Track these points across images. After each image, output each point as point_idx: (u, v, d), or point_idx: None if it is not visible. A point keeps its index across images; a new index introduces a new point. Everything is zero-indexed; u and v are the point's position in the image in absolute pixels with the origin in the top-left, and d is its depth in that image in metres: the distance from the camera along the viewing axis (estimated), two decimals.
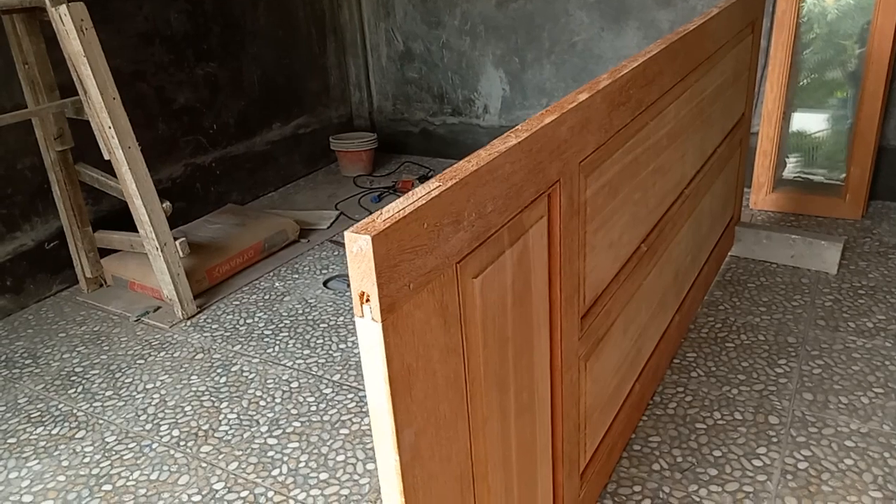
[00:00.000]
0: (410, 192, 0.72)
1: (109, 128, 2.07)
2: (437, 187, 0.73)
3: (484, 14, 3.32)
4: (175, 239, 2.26)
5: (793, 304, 2.12)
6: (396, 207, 0.69)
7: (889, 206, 2.73)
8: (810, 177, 2.76)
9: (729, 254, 2.43)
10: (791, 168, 2.77)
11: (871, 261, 2.33)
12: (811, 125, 2.70)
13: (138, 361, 2.09)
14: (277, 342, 2.15)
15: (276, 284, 2.52)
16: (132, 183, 2.12)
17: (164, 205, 2.22)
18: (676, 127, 1.52)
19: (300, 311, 2.32)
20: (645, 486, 1.49)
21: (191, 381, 1.98)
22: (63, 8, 1.95)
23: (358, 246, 0.64)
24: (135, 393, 1.94)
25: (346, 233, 0.65)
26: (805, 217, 2.70)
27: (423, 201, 0.70)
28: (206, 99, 3.07)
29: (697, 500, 1.44)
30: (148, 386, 1.97)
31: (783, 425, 1.63)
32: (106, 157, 2.15)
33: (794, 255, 2.33)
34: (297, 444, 1.70)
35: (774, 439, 1.59)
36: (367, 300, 0.66)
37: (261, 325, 2.26)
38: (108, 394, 1.94)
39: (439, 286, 0.75)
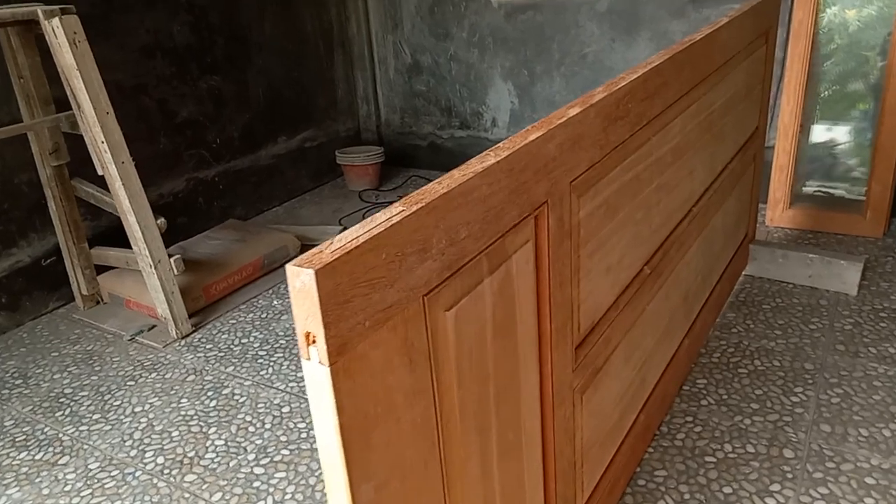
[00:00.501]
0: (371, 219, 0.65)
1: (102, 142, 2.03)
2: (399, 212, 0.66)
3: (493, 26, 3.26)
4: (170, 256, 2.21)
5: (810, 328, 2.02)
6: (349, 236, 0.62)
7: None
8: (830, 192, 2.65)
9: (743, 273, 2.33)
10: (810, 183, 2.66)
11: (894, 282, 2.22)
12: (831, 138, 2.59)
13: (129, 383, 2.04)
14: (271, 363, 2.08)
15: (275, 302, 2.46)
16: (126, 199, 2.08)
17: (158, 221, 2.17)
18: (683, 142, 1.43)
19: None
20: None
21: (180, 405, 1.92)
22: (56, 20, 1.92)
23: (301, 281, 0.57)
24: (122, 416, 1.88)
25: (287, 266, 0.58)
26: (824, 234, 2.59)
27: (381, 229, 0.63)
28: (210, 112, 3.04)
29: None
30: (136, 409, 1.91)
31: (799, 459, 1.53)
32: (100, 172, 2.11)
33: (812, 275, 2.22)
34: (284, 474, 1.62)
35: (789, 475, 1.49)
36: (314, 341, 0.59)
37: (255, 345, 2.19)
38: (95, 417, 1.88)
39: (402, 322, 0.68)
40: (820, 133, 2.62)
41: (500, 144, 0.84)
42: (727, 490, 1.46)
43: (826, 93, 2.55)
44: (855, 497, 1.41)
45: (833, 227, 2.60)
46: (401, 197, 3.25)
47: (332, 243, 0.61)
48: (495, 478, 0.92)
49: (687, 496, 1.46)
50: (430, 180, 3.55)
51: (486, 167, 0.77)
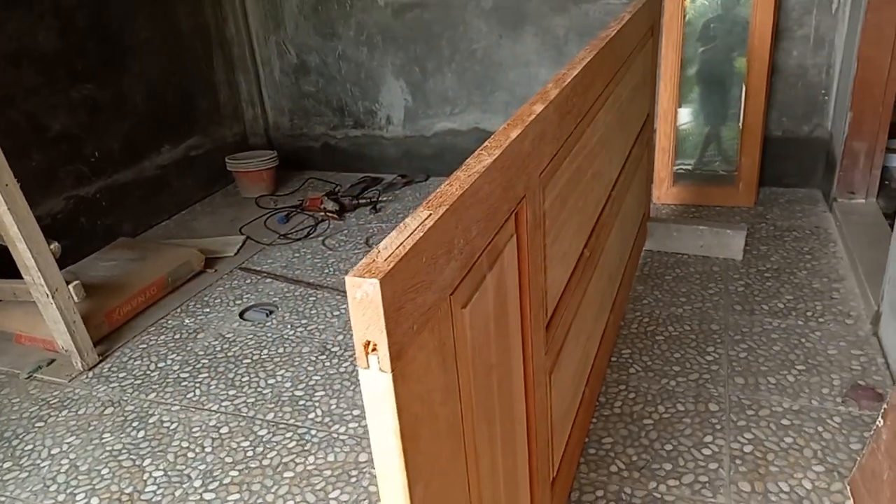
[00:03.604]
0: (402, 225, 0.66)
1: None
2: (429, 216, 0.67)
3: (380, 24, 3.26)
4: (67, 283, 2.04)
5: (709, 293, 2.22)
6: (393, 243, 0.62)
7: (776, 191, 2.93)
8: (706, 169, 2.91)
9: (644, 249, 2.52)
10: (688, 162, 2.91)
11: (771, 244, 2.49)
12: (700, 120, 2.85)
13: (37, 424, 1.86)
14: (197, 385, 1.98)
15: (187, 321, 2.33)
16: (13, 225, 1.88)
17: (51, 246, 1.99)
18: (605, 132, 1.53)
19: (218, 348, 2.16)
20: (607, 489, 1.49)
21: (103, 440, 1.78)
22: None
23: (363, 291, 0.57)
24: (38, 461, 1.72)
25: (347, 277, 0.58)
26: (705, 208, 2.85)
27: (420, 233, 0.64)
28: (86, 123, 2.81)
29: (659, 496, 1.46)
30: (53, 451, 1.75)
31: (723, 411, 1.69)
32: None
33: (703, 245, 2.44)
34: (237, 496, 1.56)
35: (718, 426, 1.64)
36: (374, 349, 0.59)
37: (175, 367, 2.08)
38: (6, 465, 1.71)
39: (437, 323, 0.69)
40: (694, 115, 2.87)
41: (487, 144, 0.87)
42: (668, 447, 1.59)
43: (692, 78, 2.79)
44: (776, 438, 1.59)
45: (711, 200, 2.86)
46: (302, 201, 3.20)
47: (379, 252, 0.61)
48: (499, 465, 0.95)
49: (634, 457, 1.57)
50: (327, 182, 3.52)
51: (486, 167, 0.80)
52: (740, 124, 2.75)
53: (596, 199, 1.51)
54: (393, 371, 0.60)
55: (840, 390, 1.72)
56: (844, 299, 2.11)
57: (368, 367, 0.60)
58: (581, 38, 2.99)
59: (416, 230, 0.64)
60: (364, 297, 0.57)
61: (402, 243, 0.62)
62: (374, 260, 0.60)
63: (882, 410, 1.34)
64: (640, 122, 2.11)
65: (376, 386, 0.61)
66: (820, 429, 1.60)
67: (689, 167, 2.91)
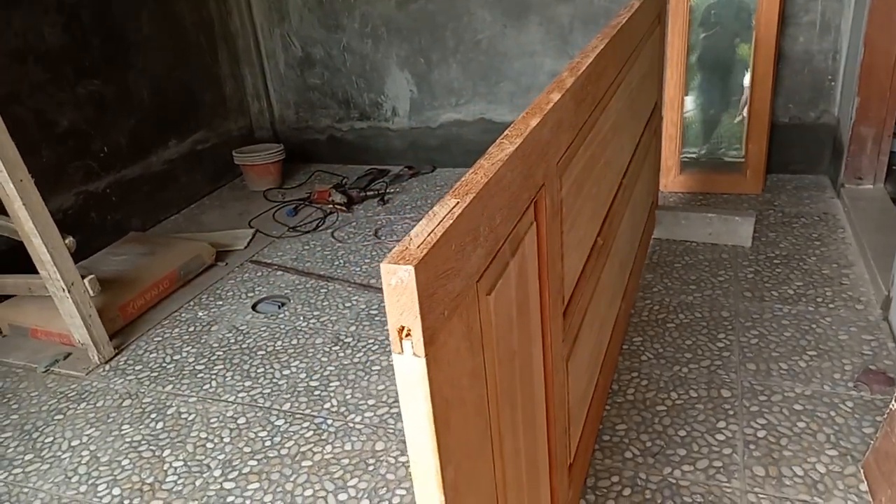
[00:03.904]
0: (431, 213, 0.67)
1: None
2: (457, 204, 0.68)
3: (385, 15, 3.26)
4: (82, 277, 2.05)
5: (719, 280, 2.23)
6: (424, 231, 0.63)
7: (783, 178, 2.94)
8: (713, 157, 2.91)
9: (652, 237, 2.52)
10: (695, 150, 2.92)
11: (779, 231, 2.50)
12: (710, 107, 2.85)
13: (56, 417, 1.88)
14: (213, 377, 2.00)
15: (200, 314, 2.35)
16: (28, 220, 1.90)
17: (66, 240, 2.00)
18: (617, 120, 1.54)
19: (232, 340, 2.18)
20: (622, 475, 1.51)
21: (122, 432, 1.80)
22: None
23: (398, 278, 0.58)
24: (59, 453, 1.74)
25: (382, 264, 0.59)
26: (712, 195, 2.86)
27: (450, 221, 0.65)
28: (93, 119, 2.82)
29: (674, 481, 1.47)
30: (73, 443, 1.77)
31: (735, 397, 1.70)
32: None
33: (712, 233, 2.45)
34: (257, 485, 1.58)
35: (731, 412, 1.66)
36: (408, 335, 0.60)
37: (190, 360, 2.10)
38: (27, 458, 1.73)
39: (465, 309, 0.71)
40: (700, 102, 2.87)
41: (508, 132, 0.88)
42: (682, 433, 1.61)
43: (699, 65, 2.79)
44: (789, 423, 1.60)
45: (719, 187, 2.87)
46: (309, 193, 3.21)
47: (411, 239, 0.62)
48: (521, 450, 0.96)
49: (649, 443, 1.59)
50: (334, 174, 3.53)
51: (509, 155, 0.81)
52: (744, 111, 2.75)
53: (608, 187, 1.51)
54: (426, 356, 0.61)
55: (852, 375, 1.73)
56: (854, 285, 2.12)
57: (402, 352, 0.61)
58: (586, 26, 2.99)
59: (445, 218, 0.65)
60: (399, 283, 0.58)
61: (432, 231, 0.63)
62: (406, 247, 0.61)
63: (895, 394, 1.35)
64: (649, 109, 2.12)
65: (410, 370, 0.62)
66: (832, 413, 1.62)
67: (695, 155, 2.92)
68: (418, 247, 0.61)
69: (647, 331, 2.00)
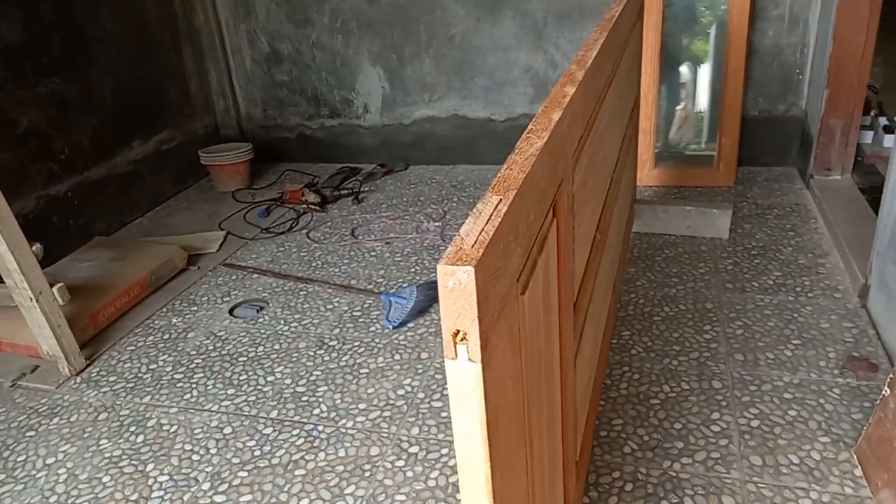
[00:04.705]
0: (476, 212, 0.64)
1: None
2: (500, 201, 0.65)
3: (355, 10, 3.20)
4: (50, 285, 1.95)
5: (700, 272, 2.26)
6: (474, 230, 0.60)
7: (754, 171, 2.99)
8: (686, 151, 2.95)
9: (632, 231, 2.54)
10: (668, 143, 2.95)
11: (754, 223, 2.54)
12: (682, 101, 2.88)
13: (28, 434, 1.78)
14: (194, 385, 1.93)
15: (175, 321, 2.27)
16: None
17: (33, 247, 1.90)
18: (611, 113, 1.53)
19: (211, 347, 2.10)
20: (622, 470, 1.50)
21: (101, 447, 1.72)
22: None
23: (456, 279, 0.55)
24: (34, 472, 1.65)
25: (439, 266, 0.56)
26: (686, 188, 2.89)
27: (498, 219, 0.62)
28: (54, 119, 2.69)
29: (674, 474, 1.48)
30: (48, 461, 1.68)
31: (727, 388, 1.72)
32: None
33: (690, 226, 2.48)
34: (249, 496, 1.53)
35: (723, 403, 1.67)
36: (464, 339, 0.58)
37: (168, 368, 2.02)
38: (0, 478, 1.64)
39: (509, 310, 0.68)
40: (671, 96, 2.90)
41: (532, 127, 0.85)
42: (678, 426, 1.61)
43: (672, 60, 2.82)
44: (781, 411, 1.62)
45: (692, 180, 2.91)
46: (281, 193, 3.13)
47: (463, 239, 0.59)
48: (545, 450, 0.95)
49: (646, 437, 1.59)
50: (305, 174, 3.45)
51: (539, 150, 0.78)
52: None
53: (604, 182, 1.51)
54: (483, 360, 0.58)
55: (836, 362, 1.77)
56: (830, 274, 2.17)
57: (456, 357, 0.58)
58: (559, 20, 2.99)
59: (492, 216, 0.63)
60: (457, 285, 0.55)
61: (482, 229, 0.60)
62: (460, 247, 0.58)
63: (889, 380, 1.38)
64: (632, 103, 2.12)
65: (465, 376, 0.59)
66: (822, 401, 1.65)
67: (670, 149, 2.95)
68: (472, 246, 0.58)
69: (635, 325, 2.01)
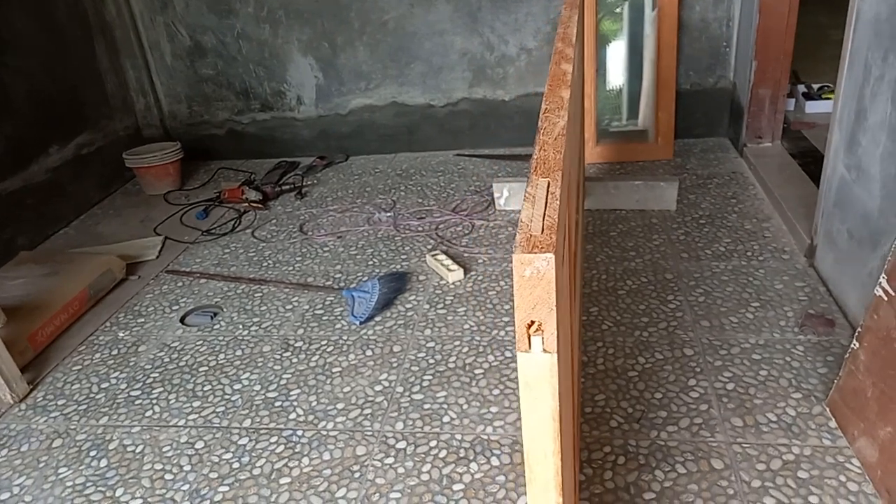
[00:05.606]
0: (527, 195, 0.61)
1: None
2: (550, 183, 0.63)
3: None
4: None
5: (655, 244, 2.31)
6: (536, 215, 0.58)
7: (689, 143, 3.09)
8: (624, 127, 3.01)
9: (584, 208, 2.57)
10: (607, 121, 3.00)
11: (697, 192, 2.63)
12: (618, 80, 2.94)
13: None
14: (154, 401, 1.82)
15: (121, 335, 2.13)
16: None
17: None
18: (574, 93, 1.53)
19: (167, 359, 1.98)
20: (612, 444, 1.52)
21: (60, 476, 1.59)
22: None
23: (534, 268, 0.52)
24: None
25: (514, 255, 0.53)
26: (628, 164, 2.96)
27: (556, 203, 0.59)
28: None
29: (662, 443, 1.51)
30: (3, 496, 1.54)
31: (699, 354, 1.77)
32: None
33: (640, 199, 2.53)
34: None
35: (697, 369, 1.72)
36: (538, 329, 0.55)
37: (122, 386, 1.89)
38: None
39: (564, 297, 0.65)
40: (609, 76, 2.95)
41: (546, 107, 0.83)
42: (658, 395, 1.65)
43: (606, 39, 2.87)
44: (752, 372, 1.68)
45: (632, 156, 2.97)
46: (219, 193, 2.99)
47: (528, 226, 0.56)
48: (568, 447, 0.93)
49: (630, 410, 1.61)
50: (240, 171, 3.31)
51: (563, 129, 0.76)
52: (655, 80, 2.86)
53: (576, 158, 1.51)
54: (558, 351, 0.56)
55: (795, 321, 1.85)
56: (776, 236, 2.27)
57: (530, 348, 0.56)
58: (494, 3, 2.97)
59: (548, 200, 0.60)
60: (534, 273, 0.53)
61: (544, 213, 0.58)
62: (528, 235, 0.55)
63: (856, 333, 1.45)
64: (581, 81, 2.14)
65: (539, 368, 0.56)
66: (788, 359, 1.72)
67: (609, 126, 3.00)
68: (542, 232, 0.55)
69: (601, 300, 2.04)
